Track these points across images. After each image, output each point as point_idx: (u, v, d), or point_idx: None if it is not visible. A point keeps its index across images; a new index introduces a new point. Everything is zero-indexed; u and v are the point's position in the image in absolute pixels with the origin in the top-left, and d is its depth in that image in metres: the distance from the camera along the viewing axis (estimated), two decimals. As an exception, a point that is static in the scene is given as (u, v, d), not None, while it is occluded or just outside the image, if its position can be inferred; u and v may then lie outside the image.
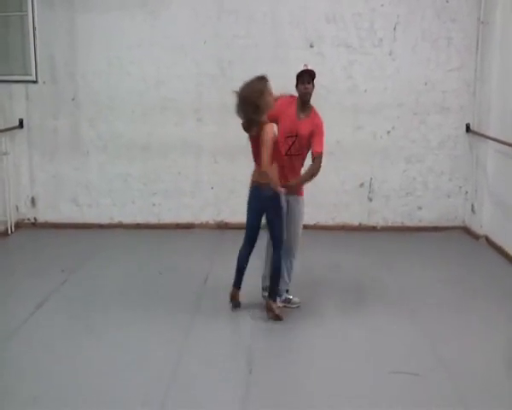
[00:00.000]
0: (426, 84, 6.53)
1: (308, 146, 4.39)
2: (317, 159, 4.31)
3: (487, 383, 3.66)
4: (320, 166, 4.32)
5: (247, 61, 6.30)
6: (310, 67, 4.31)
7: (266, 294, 4.55)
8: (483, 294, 5.00)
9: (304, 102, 4.38)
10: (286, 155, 4.36)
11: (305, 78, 4.30)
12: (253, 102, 4.05)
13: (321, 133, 4.36)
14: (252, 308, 4.57)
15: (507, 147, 5.73)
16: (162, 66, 6.54)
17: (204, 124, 6.61)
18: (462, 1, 6.38)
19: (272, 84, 4.16)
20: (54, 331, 4.31)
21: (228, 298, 4.57)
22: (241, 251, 4.50)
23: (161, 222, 6.81)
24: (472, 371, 3.79)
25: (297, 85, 4.38)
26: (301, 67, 4.33)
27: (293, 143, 4.35)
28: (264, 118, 4.13)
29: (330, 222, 6.73)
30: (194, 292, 4.97)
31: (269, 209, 4.29)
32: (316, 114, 4.41)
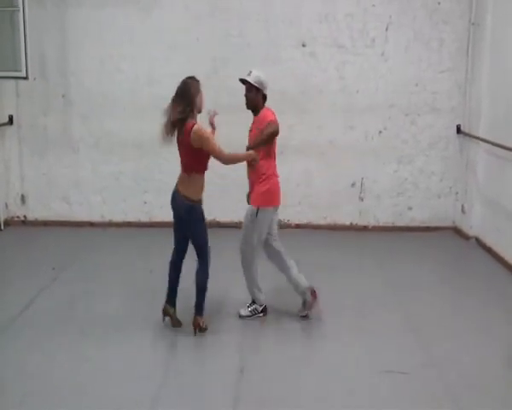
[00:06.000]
0: (417, 85, 6.56)
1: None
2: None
3: (478, 382, 3.69)
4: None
5: (240, 60, 6.29)
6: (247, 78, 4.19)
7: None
8: (473, 294, 5.03)
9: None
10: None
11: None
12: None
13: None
14: (241, 307, 4.58)
15: (497, 148, 5.77)
16: (154, 63, 6.52)
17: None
18: (454, 3, 6.42)
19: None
20: (44, 330, 4.27)
21: (215, 296, 4.54)
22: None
23: (152, 220, 6.79)
24: (463, 370, 3.82)
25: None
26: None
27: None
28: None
29: (322, 222, 6.73)
30: (184, 290, 4.95)
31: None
32: (261, 114, 4.29)
